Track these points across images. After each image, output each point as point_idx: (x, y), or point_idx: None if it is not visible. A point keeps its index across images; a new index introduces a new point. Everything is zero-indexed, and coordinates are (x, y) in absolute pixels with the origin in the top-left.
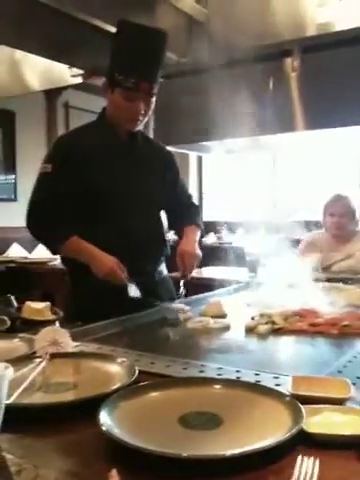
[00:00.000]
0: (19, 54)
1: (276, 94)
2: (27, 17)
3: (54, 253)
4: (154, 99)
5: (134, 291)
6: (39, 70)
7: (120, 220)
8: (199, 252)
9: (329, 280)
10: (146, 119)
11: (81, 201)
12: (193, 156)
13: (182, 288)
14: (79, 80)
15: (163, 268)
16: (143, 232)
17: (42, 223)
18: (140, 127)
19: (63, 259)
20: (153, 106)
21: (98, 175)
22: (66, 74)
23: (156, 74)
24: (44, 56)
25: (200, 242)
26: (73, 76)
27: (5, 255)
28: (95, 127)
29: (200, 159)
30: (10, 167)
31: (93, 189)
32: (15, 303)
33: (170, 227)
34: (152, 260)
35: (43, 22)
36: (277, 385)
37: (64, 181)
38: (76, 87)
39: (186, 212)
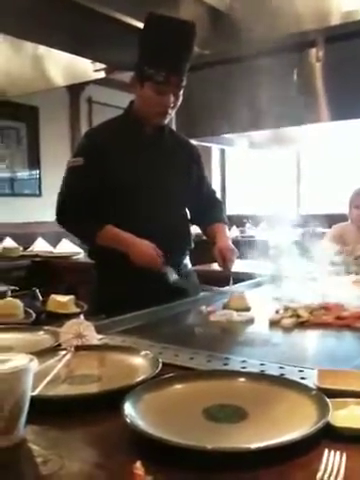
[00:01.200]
0: (42, 49)
1: (300, 85)
2: (50, 12)
3: (90, 245)
4: (182, 92)
5: (173, 275)
6: (62, 65)
7: (146, 214)
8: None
9: (355, 272)
10: (174, 112)
11: (108, 195)
12: (216, 149)
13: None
14: (102, 75)
15: (188, 262)
16: (168, 226)
17: (76, 216)
18: (168, 119)
19: (90, 252)
20: (181, 98)
21: (125, 169)
22: (89, 69)
23: (185, 67)
24: (67, 51)
25: None
26: (96, 71)
27: (30, 249)
28: (122, 121)
29: (223, 152)
30: (34, 162)
31: (120, 183)
32: (40, 296)
33: (194, 222)
34: (177, 254)
35: (66, 17)
36: (302, 378)
37: (94, 175)
38: (99, 82)
39: (212, 208)
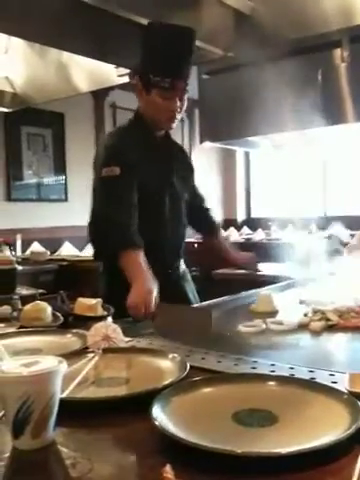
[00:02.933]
0: (66, 56)
1: (325, 86)
2: (73, 18)
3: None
4: (186, 96)
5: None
6: (86, 71)
7: (167, 219)
8: None
9: None
10: (181, 116)
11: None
12: (240, 152)
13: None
14: (126, 79)
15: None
16: (181, 230)
17: (105, 228)
18: (175, 125)
19: (96, 255)
20: (186, 102)
21: (150, 176)
22: (113, 74)
23: (189, 71)
24: (90, 57)
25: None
26: (120, 76)
27: (57, 254)
28: (135, 128)
29: (247, 155)
30: (60, 168)
31: (147, 190)
32: (67, 300)
33: (190, 224)
34: (180, 256)
35: (90, 23)
36: (333, 382)
37: (132, 184)
38: (123, 87)
39: (207, 218)
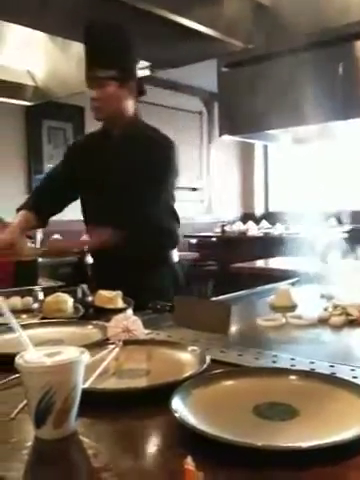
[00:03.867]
0: None
1: (346, 79)
2: (94, 11)
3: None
4: (111, 87)
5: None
6: None
7: (95, 210)
8: None
9: None
10: (109, 106)
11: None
12: (259, 146)
13: None
14: (146, 72)
15: (170, 257)
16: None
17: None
18: (100, 115)
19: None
20: (109, 95)
21: (85, 169)
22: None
23: (103, 60)
24: None
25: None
26: (140, 69)
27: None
28: (101, 128)
29: (266, 148)
30: None
31: (79, 182)
32: (88, 292)
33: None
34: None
35: (110, 16)
36: (354, 377)
37: (59, 172)
38: (143, 81)
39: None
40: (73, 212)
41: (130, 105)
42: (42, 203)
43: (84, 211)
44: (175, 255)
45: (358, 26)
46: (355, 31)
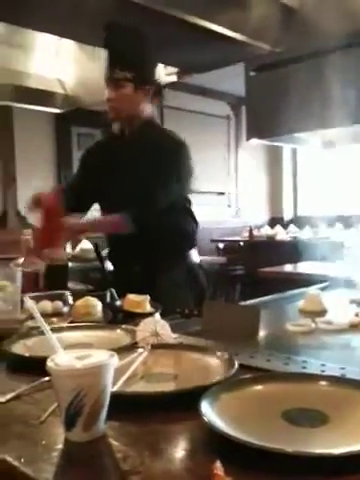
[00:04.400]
0: None
1: None
2: (120, 17)
3: None
4: (128, 88)
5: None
6: None
7: (106, 209)
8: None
9: None
10: (125, 107)
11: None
12: (287, 149)
13: None
14: (174, 78)
15: (188, 259)
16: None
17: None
18: (115, 115)
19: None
20: (124, 97)
21: (95, 172)
22: (161, 73)
23: (122, 60)
24: None
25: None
26: (168, 75)
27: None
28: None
29: (294, 152)
30: None
31: (92, 183)
32: (116, 296)
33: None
34: (148, 250)
35: (136, 21)
36: None
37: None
38: (171, 86)
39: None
40: None
41: (146, 108)
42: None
43: (102, 210)
44: (194, 256)
45: None
46: None
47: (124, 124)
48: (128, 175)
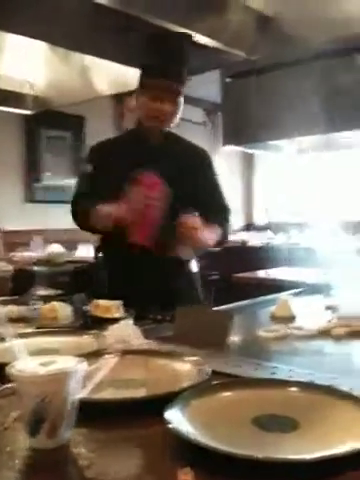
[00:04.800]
0: (89, 59)
1: (350, 90)
2: (96, 21)
3: (92, 231)
4: (181, 99)
5: None
6: (108, 74)
7: None
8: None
9: None
10: (175, 119)
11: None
12: (262, 156)
13: None
14: None
15: (190, 266)
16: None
17: (78, 210)
18: (170, 126)
19: (98, 249)
20: (181, 106)
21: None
22: (135, 78)
23: (179, 73)
24: (113, 60)
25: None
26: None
27: (75, 255)
28: (129, 134)
29: (268, 159)
30: (79, 171)
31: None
32: (86, 301)
33: None
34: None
35: (112, 26)
36: (354, 389)
37: (100, 179)
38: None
39: (213, 210)
40: (69, 221)
41: None
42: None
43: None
44: (194, 265)
45: None
46: (359, 42)
47: (152, 133)
48: (170, 181)
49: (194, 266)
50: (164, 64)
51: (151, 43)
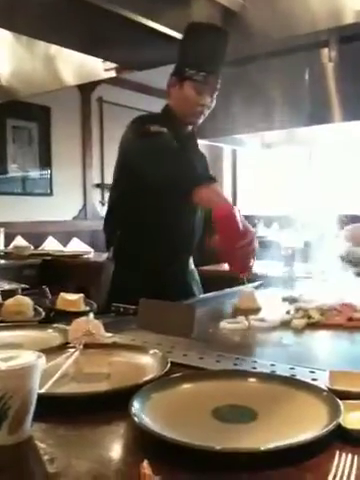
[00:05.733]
0: (54, 49)
1: (312, 85)
2: (61, 11)
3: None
4: (216, 94)
5: None
6: (73, 65)
7: (185, 211)
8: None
9: None
10: (208, 113)
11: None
12: (227, 150)
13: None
14: (113, 74)
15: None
16: (194, 225)
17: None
18: (201, 121)
19: (108, 243)
20: (215, 101)
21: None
22: (100, 68)
23: (220, 69)
24: (78, 50)
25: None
26: (107, 70)
27: (41, 248)
28: (166, 117)
29: (234, 152)
30: (46, 162)
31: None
32: (49, 295)
33: None
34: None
35: (77, 16)
36: (313, 380)
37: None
38: (109, 81)
39: None
40: (35, 213)
41: None
42: None
43: (158, 218)
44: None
45: (324, 34)
46: (321, 39)
47: (185, 125)
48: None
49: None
50: (212, 59)
51: (196, 33)
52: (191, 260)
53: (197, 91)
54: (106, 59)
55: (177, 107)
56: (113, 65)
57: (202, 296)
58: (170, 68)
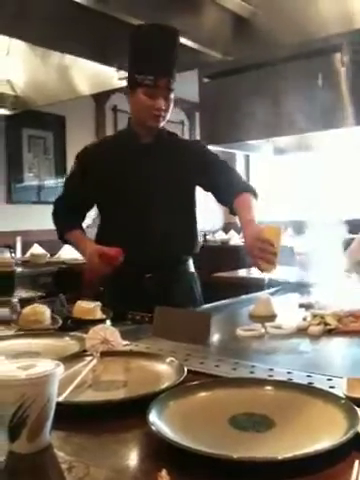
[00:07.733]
0: (68, 59)
1: (325, 90)
2: (74, 20)
3: (63, 241)
4: (173, 95)
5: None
6: (88, 74)
7: (130, 220)
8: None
9: None
10: (168, 115)
11: (100, 201)
12: (240, 156)
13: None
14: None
15: (187, 266)
16: (160, 229)
17: (57, 214)
18: (163, 124)
19: None
20: (172, 103)
21: (113, 178)
22: (114, 77)
23: (172, 70)
24: (91, 60)
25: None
26: (121, 79)
27: (57, 257)
28: (121, 135)
29: (247, 158)
30: (61, 171)
31: (107, 190)
32: (66, 303)
33: (223, 203)
34: (171, 257)
35: (90, 25)
36: (331, 387)
37: (86, 181)
38: (124, 90)
39: (228, 182)
40: (51, 222)
41: None
42: (78, 218)
43: (109, 222)
44: (191, 265)
45: (336, 38)
46: (333, 43)
47: (145, 131)
48: (166, 184)
49: (191, 266)
50: (160, 61)
51: (140, 38)
52: (184, 267)
53: (149, 95)
54: (119, 68)
55: (135, 114)
56: (127, 74)
57: (218, 303)
58: (184, 76)
